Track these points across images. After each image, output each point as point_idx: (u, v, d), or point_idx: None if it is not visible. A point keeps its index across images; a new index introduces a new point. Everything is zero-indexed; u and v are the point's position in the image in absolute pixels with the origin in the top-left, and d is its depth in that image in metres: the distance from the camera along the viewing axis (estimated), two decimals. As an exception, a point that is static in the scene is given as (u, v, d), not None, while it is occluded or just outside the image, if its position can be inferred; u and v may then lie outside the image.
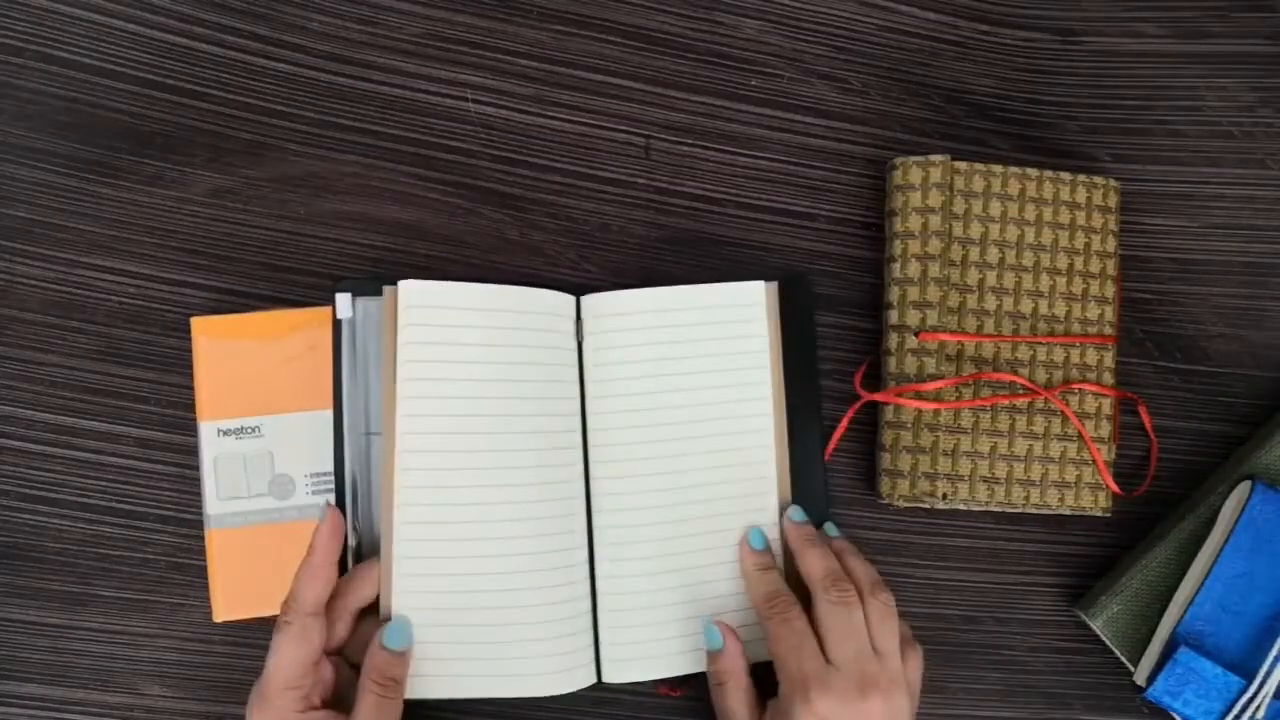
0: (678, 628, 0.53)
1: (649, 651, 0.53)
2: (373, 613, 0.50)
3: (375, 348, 0.51)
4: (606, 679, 0.53)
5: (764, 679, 0.51)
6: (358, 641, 0.49)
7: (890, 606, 0.50)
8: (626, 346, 0.54)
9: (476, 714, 0.55)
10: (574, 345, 0.54)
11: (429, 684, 0.49)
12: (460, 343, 0.51)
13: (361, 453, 0.51)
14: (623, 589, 0.53)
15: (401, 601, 0.48)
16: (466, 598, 0.50)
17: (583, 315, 0.55)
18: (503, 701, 0.55)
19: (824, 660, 0.47)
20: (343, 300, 0.52)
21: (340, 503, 0.51)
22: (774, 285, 0.56)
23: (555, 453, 0.53)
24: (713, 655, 0.51)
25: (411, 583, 0.49)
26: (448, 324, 0.50)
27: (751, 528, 0.54)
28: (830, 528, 0.55)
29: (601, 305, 0.55)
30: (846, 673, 0.47)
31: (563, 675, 0.51)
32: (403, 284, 0.50)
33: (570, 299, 0.55)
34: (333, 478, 0.52)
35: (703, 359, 0.55)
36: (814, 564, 0.51)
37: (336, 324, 0.52)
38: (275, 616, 0.52)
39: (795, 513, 0.54)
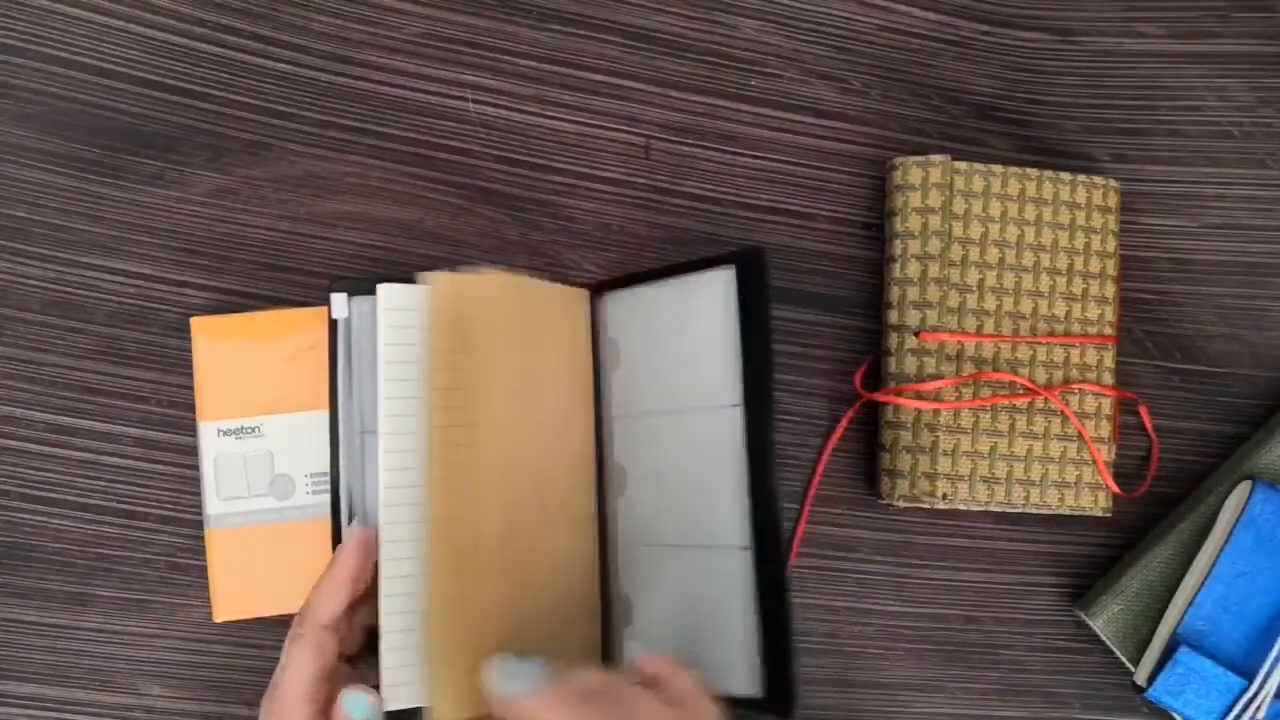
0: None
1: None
2: None
3: (369, 347, 0.51)
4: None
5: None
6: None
7: None
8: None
9: (476, 714, 0.55)
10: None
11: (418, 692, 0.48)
12: None
13: (357, 451, 0.51)
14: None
15: (390, 605, 0.48)
16: None
17: (596, 311, 0.55)
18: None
19: None
20: (338, 300, 0.51)
21: (336, 501, 0.51)
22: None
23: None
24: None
25: (399, 585, 0.49)
26: (427, 325, 0.50)
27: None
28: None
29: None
30: None
31: None
32: (380, 287, 0.49)
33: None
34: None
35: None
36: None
37: (332, 324, 0.52)
38: (275, 616, 0.52)
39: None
